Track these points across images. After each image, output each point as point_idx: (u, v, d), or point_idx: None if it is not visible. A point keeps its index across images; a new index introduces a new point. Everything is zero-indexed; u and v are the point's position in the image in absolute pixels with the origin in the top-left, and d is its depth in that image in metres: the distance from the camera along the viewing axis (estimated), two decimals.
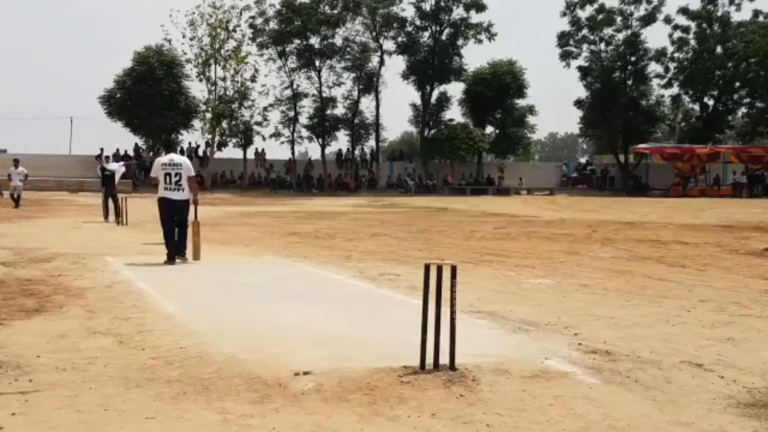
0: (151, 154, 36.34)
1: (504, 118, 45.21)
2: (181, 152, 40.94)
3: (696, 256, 10.81)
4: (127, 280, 7.75)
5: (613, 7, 44.75)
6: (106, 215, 16.46)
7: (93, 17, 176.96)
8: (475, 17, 43.89)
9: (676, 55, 46.71)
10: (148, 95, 38.55)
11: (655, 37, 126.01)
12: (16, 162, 22.60)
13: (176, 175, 9.51)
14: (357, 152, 45.96)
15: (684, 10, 45.74)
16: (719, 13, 45.67)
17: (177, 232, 9.53)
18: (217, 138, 40.94)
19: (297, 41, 41.98)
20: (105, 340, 4.99)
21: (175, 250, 9.43)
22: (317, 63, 42.79)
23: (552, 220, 19.63)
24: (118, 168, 18.12)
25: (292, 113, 43.27)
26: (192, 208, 9.66)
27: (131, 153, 40.67)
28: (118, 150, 41.65)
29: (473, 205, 27.77)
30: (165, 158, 9.87)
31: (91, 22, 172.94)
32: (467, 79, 45.24)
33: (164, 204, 9.53)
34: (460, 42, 44.49)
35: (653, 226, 17.31)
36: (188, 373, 4.15)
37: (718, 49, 45.95)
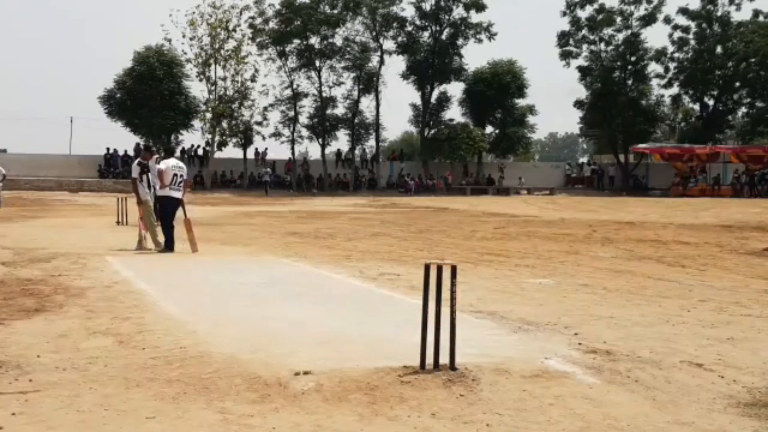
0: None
1: (504, 118, 45.20)
2: (182, 153, 40.97)
3: (696, 256, 10.81)
4: (127, 280, 7.75)
5: (613, 7, 44.78)
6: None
7: (93, 17, 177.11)
8: (475, 17, 43.97)
9: (676, 55, 46.76)
10: (148, 95, 38.55)
11: (655, 37, 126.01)
12: None
13: (181, 177, 10.92)
14: (357, 152, 45.99)
15: (684, 10, 45.75)
16: (719, 13, 45.67)
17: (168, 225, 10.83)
18: (217, 138, 40.95)
19: (297, 41, 41.96)
20: (105, 340, 4.99)
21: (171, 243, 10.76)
22: (317, 63, 42.78)
23: (552, 219, 19.62)
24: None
25: (292, 113, 43.28)
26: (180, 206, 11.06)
27: (131, 153, 40.66)
28: (116, 150, 41.69)
29: (473, 205, 27.77)
30: (172, 161, 11.09)
31: (92, 22, 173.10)
32: (467, 79, 45.22)
33: (169, 201, 10.82)
34: (460, 42, 44.49)
35: (653, 226, 17.31)
36: (188, 373, 4.15)
37: (718, 49, 45.94)
